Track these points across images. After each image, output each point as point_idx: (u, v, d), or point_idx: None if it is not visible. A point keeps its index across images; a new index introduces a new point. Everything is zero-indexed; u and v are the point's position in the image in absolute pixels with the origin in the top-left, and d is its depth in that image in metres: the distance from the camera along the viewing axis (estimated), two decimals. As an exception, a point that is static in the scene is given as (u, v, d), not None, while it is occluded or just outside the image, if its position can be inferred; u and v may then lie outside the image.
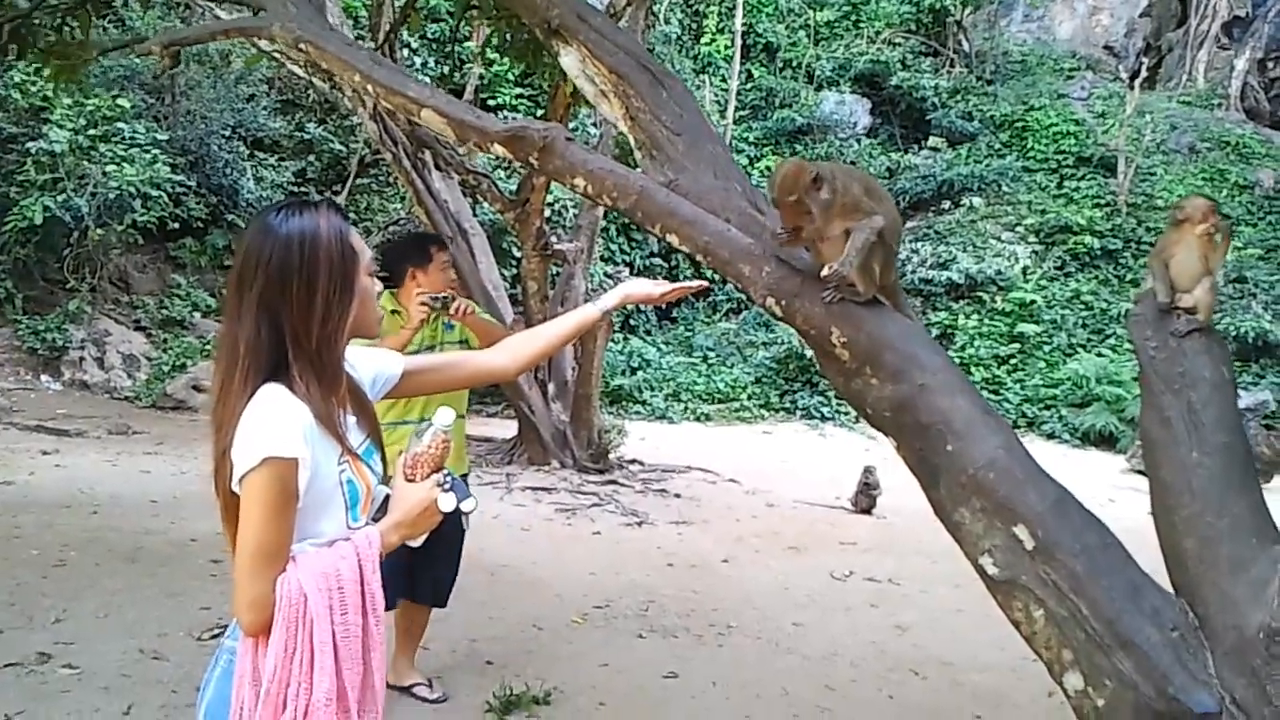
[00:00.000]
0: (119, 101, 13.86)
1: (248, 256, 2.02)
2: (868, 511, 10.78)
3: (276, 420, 1.91)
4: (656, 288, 2.52)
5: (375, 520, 2.12)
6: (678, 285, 2.49)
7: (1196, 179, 20.82)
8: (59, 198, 12.98)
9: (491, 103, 17.12)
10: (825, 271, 2.68)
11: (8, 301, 13.64)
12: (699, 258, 2.82)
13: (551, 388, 11.93)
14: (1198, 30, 23.98)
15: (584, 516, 9.74)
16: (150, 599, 6.01)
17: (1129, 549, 2.56)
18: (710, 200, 2.93)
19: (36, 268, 13.86)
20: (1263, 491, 2.49)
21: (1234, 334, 17.65)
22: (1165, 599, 2.43)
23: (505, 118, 3.46)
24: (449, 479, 2.12)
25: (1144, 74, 22.69)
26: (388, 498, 2.13)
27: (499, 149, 3.08)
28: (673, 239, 2.82)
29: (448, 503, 2.10)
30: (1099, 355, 18.01)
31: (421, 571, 4.73)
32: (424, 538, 2.12)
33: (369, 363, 2.27)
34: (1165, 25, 25.02)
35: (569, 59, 3.39)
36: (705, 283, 2.80)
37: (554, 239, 11.48)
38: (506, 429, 13.02)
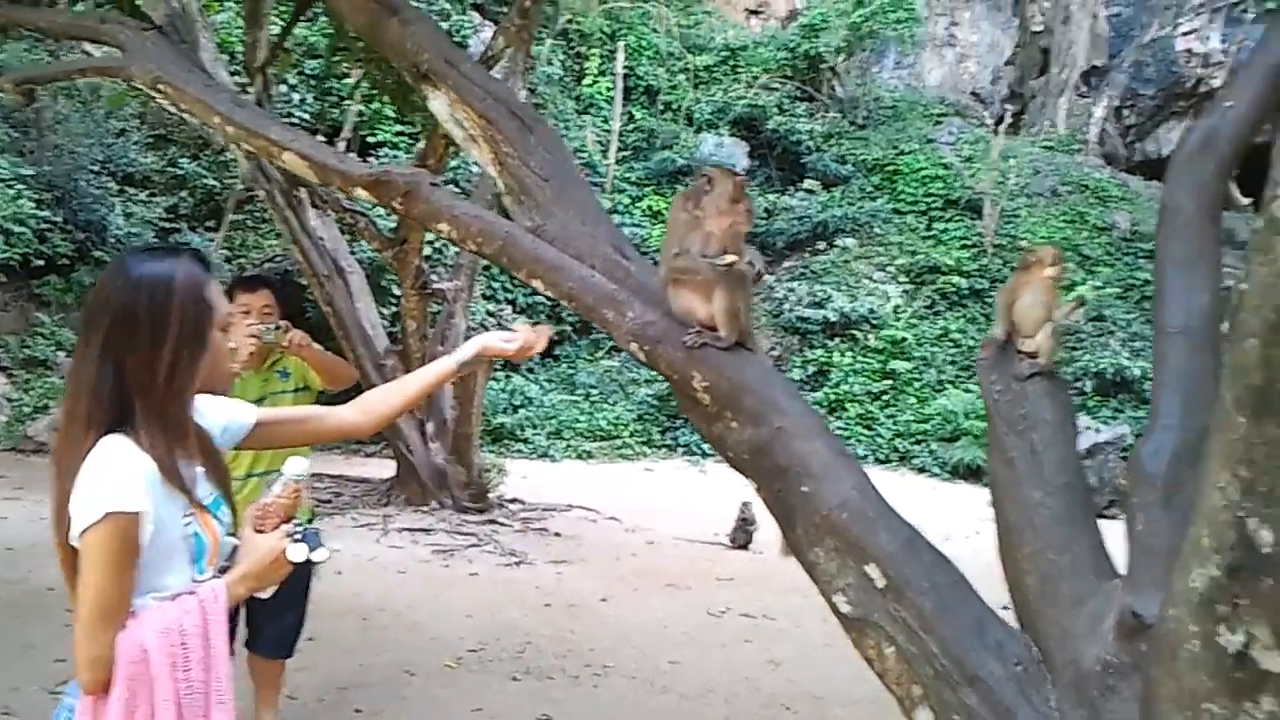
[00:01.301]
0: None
1: (97, 298, 1.97)
2: (744, 547, 10.90)
3: (118, 474, 1.86)
4: (510, 343, 2.54)
5: (224, 571, 2.07)
6: (532, 335, 2.51)
7: (1058, 221, 21.70)
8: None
9: (371, 139, 16.94)
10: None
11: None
12: (564, 303, 2.84)
13: (430, 427, 11.78)
14: (1058, 78, 25.15)
15: (462, 557, 9.63)
16: (2, 651, 5.73)
17: (991, 581, 2.66)
18: (576, 245, 2.96)
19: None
20: (1100, 530, 2.62)
21: (1094, 370, 18.42)
22: (1010, 634, 2.53)
23: (386, 156, 3.44)
24: (300, 529, 2.09)
25: (1008, 120, 23.65)
26: (236, 549, 2.08)
27: (362, 193, 3.07)
28: (538, 284, 2.84)
29: (298, 553, 2.07)
30: (966, 391, 18.53)
31: (264, 621, 4.59)
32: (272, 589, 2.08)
33: (220, 411, 2.23)
34: (1028, 73, 26.18)
35: (437, 103, 3.40)
36: (551, 330, 2.81)
37: (433, 277, 11.39)
38: (384, 469, 12.81)
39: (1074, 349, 19.05)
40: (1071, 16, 25.03)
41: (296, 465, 2.11)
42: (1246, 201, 19.90)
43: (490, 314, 17.95)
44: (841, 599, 2.56)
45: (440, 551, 9.77)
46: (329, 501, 11.53)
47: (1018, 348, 2.82)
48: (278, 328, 4.20)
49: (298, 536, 2.06)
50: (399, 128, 17.32)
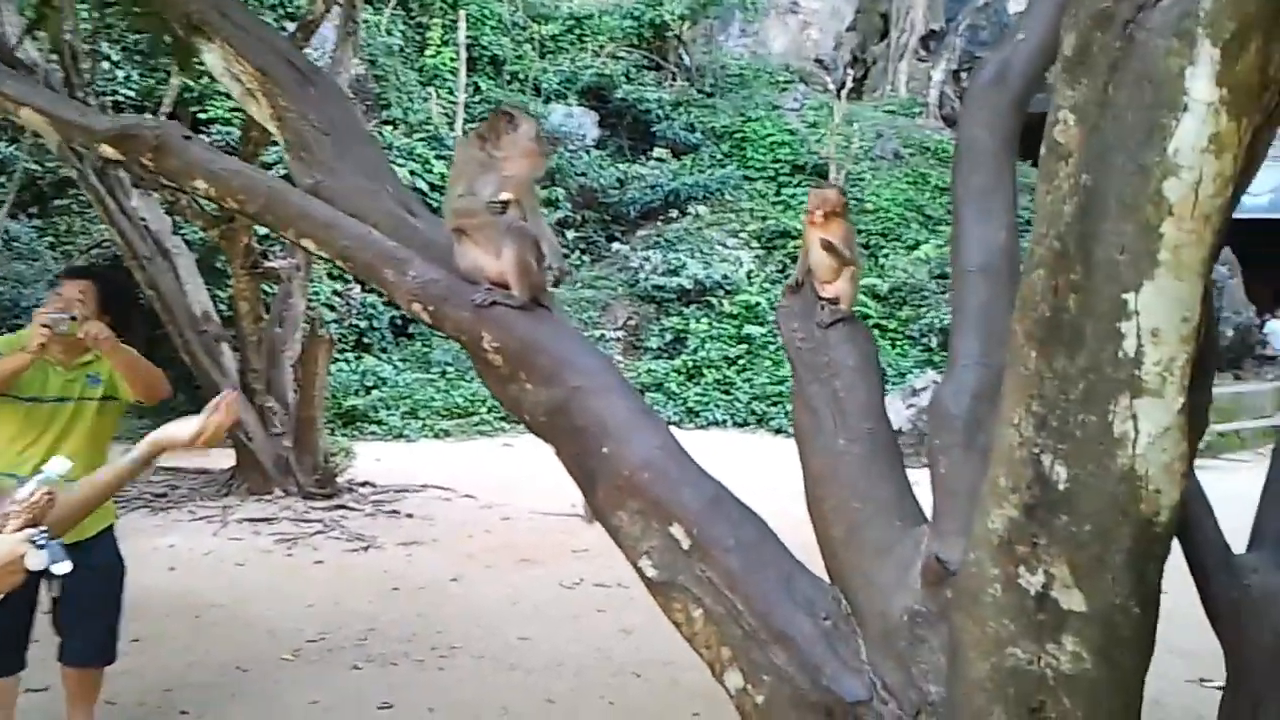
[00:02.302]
0: None
1: None
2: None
3: None
4: (187, 431, 2.35)
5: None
6: (218, 416, 2.33)
7: (901, 183, 22.18)
8: None
9: (203, 115, 16.13)
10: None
11: None
12: (339, 263, 2.64)
13: (272, 412, 11.32)
14: (898, 44, 25.67)
15: (306, 545, 9.28)
16: None
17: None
18: (357, 203, 2.76)
19: None
20: (905, 475, 2.56)
21: (939, 326, 18.92)
22: (818, 588, 2.45)
23: (218, 134, 3.15)
24: (43, 535, 1.88)
25: (851, 85, 24.01)
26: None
27: (108, 150, 2.79)
28: (309, 244, 2.64)
29: (36, 561, 1.86)
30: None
31: (72, 629, 4.25)
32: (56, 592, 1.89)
33: None
34: (869, 39, 26.66)
35: (212, 57, 3.14)
36: (236, 395, 2.58)
37: (268, 256, 10.91)
38: (226, 458, 12.27)
39: (920, 306, 19.52)
40: (907, -17, 25.54)
41: (56, 465, 1.90)
42: (1029, 163, 20.78)
43: (338, 294, 17.40)
44: (647, 563, 2.45)
45: (283, 540, 9.40)
46: (164, 495, 10.98)
47: (818, 294, 2.74)
48: (73, 318, 3.81)
49: (40, 543, 1.85)
50: (233, 102, 16.58)
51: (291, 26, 12.17)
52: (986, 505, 2.07)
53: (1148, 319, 1.83)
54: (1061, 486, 1.95)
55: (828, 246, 2.70)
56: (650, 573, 2.44)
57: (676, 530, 2.41)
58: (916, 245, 20.84)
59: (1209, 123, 1.73)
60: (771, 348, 19.11)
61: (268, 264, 10.51)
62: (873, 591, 2.36)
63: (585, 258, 21.07)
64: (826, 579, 2.49)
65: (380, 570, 8.42)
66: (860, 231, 21.23)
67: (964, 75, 25.27)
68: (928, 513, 2.43)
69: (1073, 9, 1.93)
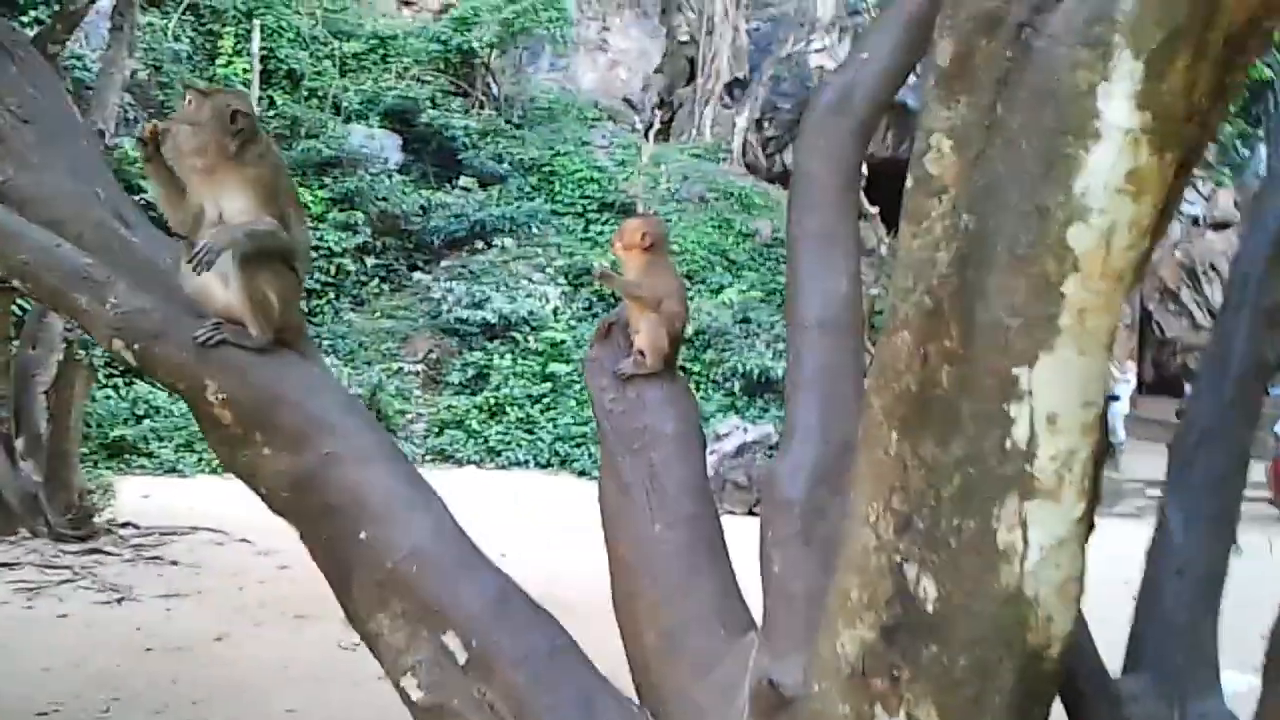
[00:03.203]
0: None
1: None
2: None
3: None
4: None
5: None
6: None
7: (706, 226, 22.33)
8: None
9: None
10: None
11: None
12: (18, 284, 2.04)
13: (20, 444, 10.13)
14: (704, 88, 25.93)
15: (50, 596, 8.27)
16: None
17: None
18: (56, 207, 2.17)
19: None
20: (731, 569, 2.14)
21: (742, 371, 19.02)
22: (625, 712, 2.00)
23: None
24: None
25: (658, 126, 24.10)
26: None
27: None
28: None
29: None
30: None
31: None
32: None
33: None
34: (676, 82, 26.85)
35: None
36: None
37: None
38: (-38, 496, 10.91)
39: (724, 350, 19.63)
40: (715, 28, 25.87)
41: None
42: (875, 210, 21.37)
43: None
44: (411, 681, 1.94)
45: (24, 589, 8.37)
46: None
47: (630, 343, 2.31)
48: None
49: None
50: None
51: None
52: (834, 622, 1.66)
53: (1043, 401, 1.47)
54: (930, 607, 1.56)
55: (610, 281, 2.30)
56: (415, 694, 1.92)
57: (450, 639, 1.91)
58: (721, 289, 20.99)
59: (1126, 155, 1.38)
60: (577, 387, 18.76)
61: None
62: (693, 715, 1.93)
63: (385, 286, 20.26)
64: (635, 699, 2.04)
65: (134, 626, 7.53)
66: (666, 271, 21.22)
67: (766, 124, 25.77)
68: (757, 616, 2.03)
69: (949, 9, 1.57)
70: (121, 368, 16.62)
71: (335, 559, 2.00)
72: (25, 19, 14.57)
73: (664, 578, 2.04)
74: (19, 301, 10.64)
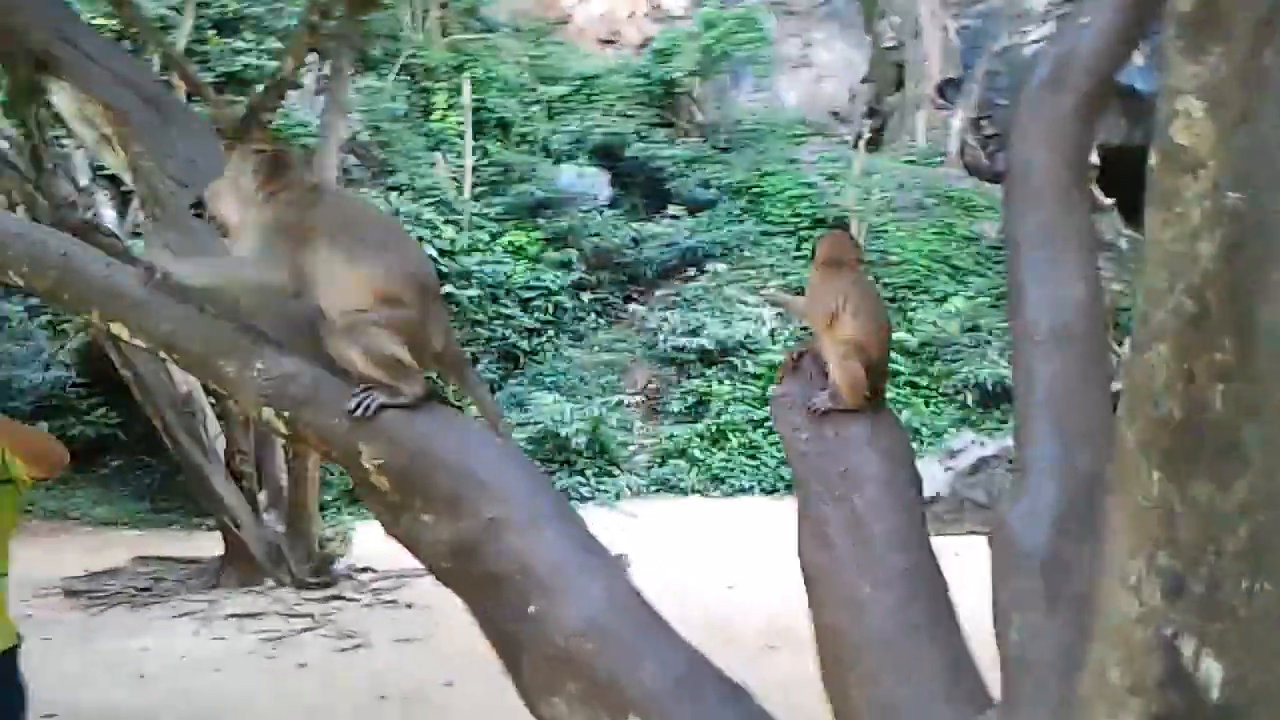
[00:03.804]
0: None
1: None
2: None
3: None
4: None
5: None
6: None
7: (926, 234, 21.54)
8: None
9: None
10: None
11: None
12: (162, 354, 1.95)
13: (263, 496, 10.66)
14: (914, 93, 25.08)
15: (292, 645, 8.60)
16: None
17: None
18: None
19: None
20: (960, 634, 1.81)
21: (974, 382, 18.13)
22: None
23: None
24: None
25: (869, 137, 23.46)
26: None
27: None
28: (120, 329, 1.95)
29: None
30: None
31: None
32: None
33: None
34: (885, 89, 26.08)
35: (62, 97, 2.49)
36: None
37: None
38: (218, 545, 11.61)
39: (954, 361, 18.82)
40: (922, 31, 25.00)
41: None
42: (1111, 202, 20.01)
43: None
44: (593, 772, 1.70)
45: (268, 639, 8.73)
46: (147, 589, 10.32)
47: (824, 374, 2.01)
48: None
49: None
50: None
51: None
52: (1091, 709, 1.32)
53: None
54: (1215, 693, 1.21)
55: (775, 298, 2.04)
56: (599, 787, 1.71)
57: (633, 724, 1.68)
58: (945, 298, 20.14)
59: None
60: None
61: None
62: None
63: (601, 320, 20.45)
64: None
65: (369, 673, 7.68)
66: (886, 285, 20.45)
67: (984, 123, 24.70)
68: (994, 691, 1.69)
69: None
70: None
71: (503, 634, 1.81)
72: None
73: (877, 645, 1.73)
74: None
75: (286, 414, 1.85)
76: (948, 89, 25.09)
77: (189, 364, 1.92)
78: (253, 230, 1.86)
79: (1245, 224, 1.20)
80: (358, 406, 1.82)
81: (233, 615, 9.34)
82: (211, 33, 17.18)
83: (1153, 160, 1.36)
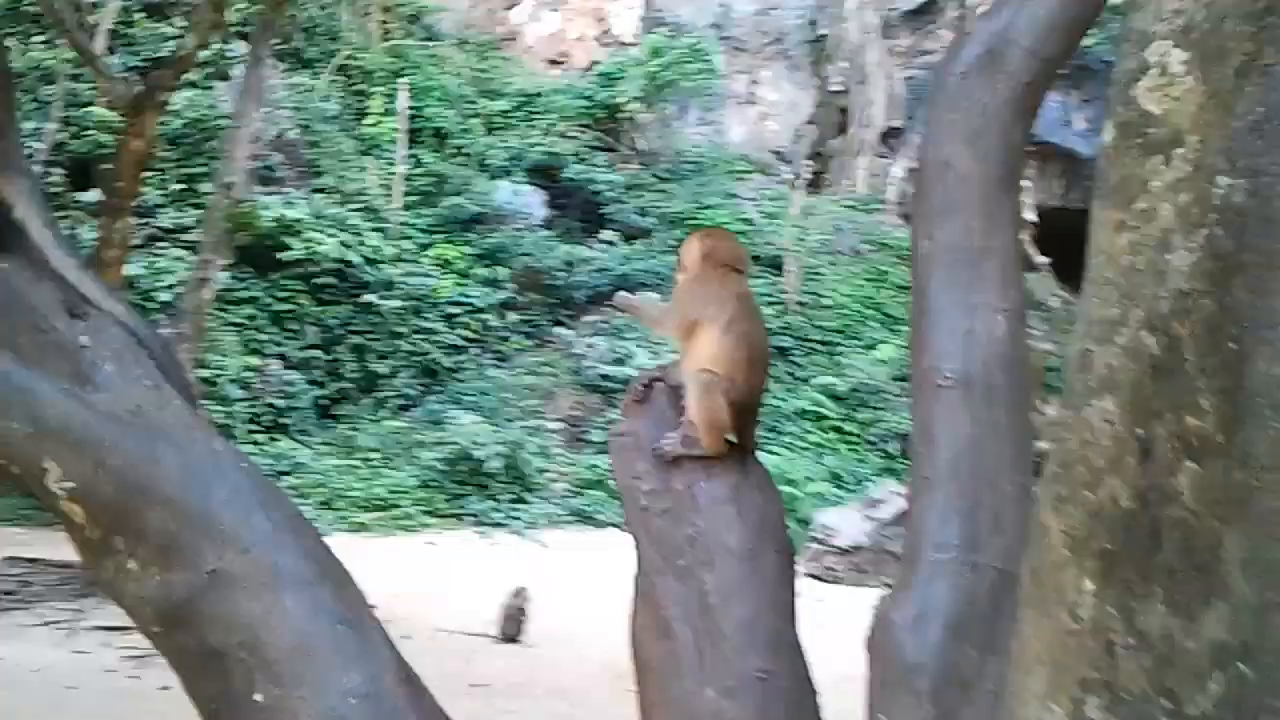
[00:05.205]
0: None
1: None
2: (514, 640, 9.58)
3: None
4: None
5: None
6: None
7: (860, 279, 21.52)
8: None
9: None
10: None
11: None
12: None
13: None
14: (857, 138, 25.11)
15: (158, 666, 7.91)
16: None
17: None
18: None
19: None
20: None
21: (899, 431, 18.07)
22: None
23: None
24: None
25: (809, 178, 23.45)
26: None
27: None
28: None
29: None
30: (774, 454, 17.80)
31: None
32: None
33: None
34: (828, 133, 26.09)
35: None
36: None
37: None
38: (91, 553, 10.91)
39: (879, 409, 18.74)
40: (868, 78, 25.09)
41: None
42: (1046, 261, 20.05)
43: (252, 369, 16.09)
44: None
45: (134, 658, 8.09)
46: (11, 593, 9.63)
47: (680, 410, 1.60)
48: None
49: None
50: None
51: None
52: None
53: None
54: None
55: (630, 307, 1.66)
56: None
57: None
58: (875, 345, 20.11)
59: None
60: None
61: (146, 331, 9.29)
62: None
63: (527, 342, 20.03)
64: None
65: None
66: (818, 328, 20.37)
67: (926, 173, 24.78)
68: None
69: None
70: (268, 423, 16.74)
71: (221, 728, 1.36)
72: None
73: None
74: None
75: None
76: (890, 137, 25.17)
77: None
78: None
79: (1243, 225, 0.81)
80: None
81: (100, 628, 8.72)
82: (140, 15, 16.52)
83: (1107, 139, 0.97)
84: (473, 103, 22.13)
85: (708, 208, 22.28)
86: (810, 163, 25.07)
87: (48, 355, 1.47)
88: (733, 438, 1.60)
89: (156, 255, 15.31)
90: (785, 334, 20.14)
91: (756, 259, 21.53)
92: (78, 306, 1.57)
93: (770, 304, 20.65)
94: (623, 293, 1.94)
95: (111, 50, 11.98)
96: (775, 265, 21.33)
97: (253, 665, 1.33)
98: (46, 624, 8.96)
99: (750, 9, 26.01)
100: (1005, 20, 1.56)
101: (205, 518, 1.38)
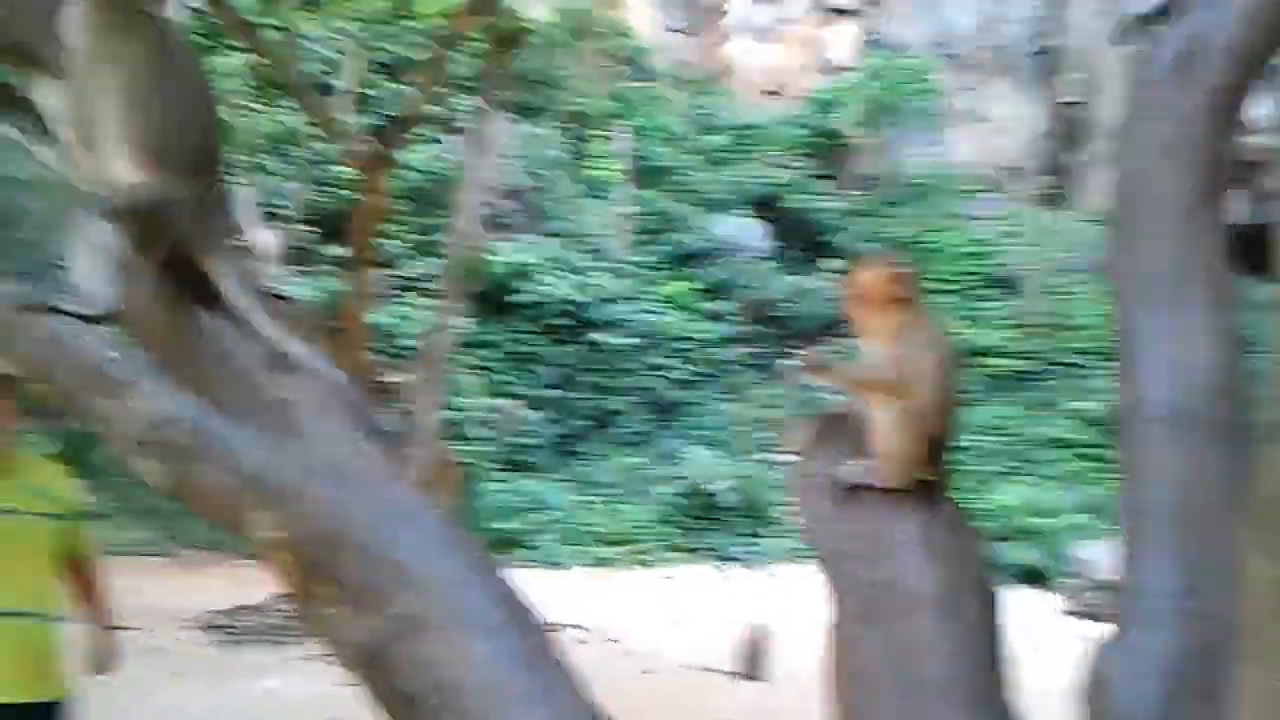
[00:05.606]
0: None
1: None
2: (753, 676, 9.45)
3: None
4: None
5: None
6: None
7: (1106, 298, 20.39)
8: None
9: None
10: None
11: None
12: (35, 384, 1.63)
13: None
14: (1096, 150, 23.88)
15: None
16: None
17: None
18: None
19: None
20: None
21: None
22: None
23: None
24: None
25: (1045, 194, 22.49)
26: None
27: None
28: None
29: None
30: (1023, 485, 17.04)
31: None
32: None
33: None
34: (1063, 145, 24.94)
35: (46, 93, 2.26)
36: None
37: (385, 370, 10.28)
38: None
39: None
40: (1102, 87, 23.83)
41: None
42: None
43: (494, 410, 16.76)
44: None
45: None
46: (284, 627, 10.29)
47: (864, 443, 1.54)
48: None
49: None
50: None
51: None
52: None
53: None
54: None
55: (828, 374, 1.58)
56: None
57: None
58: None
59: None
60: (966, 480, 17.42)
61: (384, 378, 9.84)
62: None
63: (757, 374, 20.00)
64: None
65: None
66: (1064, 350, 19.41)
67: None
68: None
69: None
70: (510, 462, 17.34)
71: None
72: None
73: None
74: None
75: (166, 465, 1.50)
76: (1133, 144, 23.82)
77: (60, 398, 1.60)
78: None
79: None
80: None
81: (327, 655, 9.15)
82: (377, 76, 17.62)
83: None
84: (692, 140, 22.44)
85: (935, 230, 21.73)
86: (1046, 177, 24.05)
87: (254, 409, 1.59)
88: (920, 474, 1.52)
89: (401, 304, 16.16)
90: (1026, 357, 19.31)
91: (989, 280, 20.77)
92: (280, 362, 1.69)
93: (1007, 326, 19.83)
94: (812, 352, 1.87)
95: (354, 111, 12.81)
96: (1010, 285, 20.54)
97: (444, 708, 1.37)
98: (313, 657, 9.45)
99: (972, 24, 25.26)
100: (1199, 21, 1.43)
101: (395, 563, 1.44)
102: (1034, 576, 15.47)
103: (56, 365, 1.57)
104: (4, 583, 3.00)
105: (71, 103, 2.03)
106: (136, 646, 3.42)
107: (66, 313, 1.64)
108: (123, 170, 1.83)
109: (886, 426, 1.52)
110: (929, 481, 1.54)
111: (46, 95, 2.23)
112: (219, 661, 9.27)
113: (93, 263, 1.72)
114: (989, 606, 1.47)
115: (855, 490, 1.50)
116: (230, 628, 10.33)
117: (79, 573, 3.33)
